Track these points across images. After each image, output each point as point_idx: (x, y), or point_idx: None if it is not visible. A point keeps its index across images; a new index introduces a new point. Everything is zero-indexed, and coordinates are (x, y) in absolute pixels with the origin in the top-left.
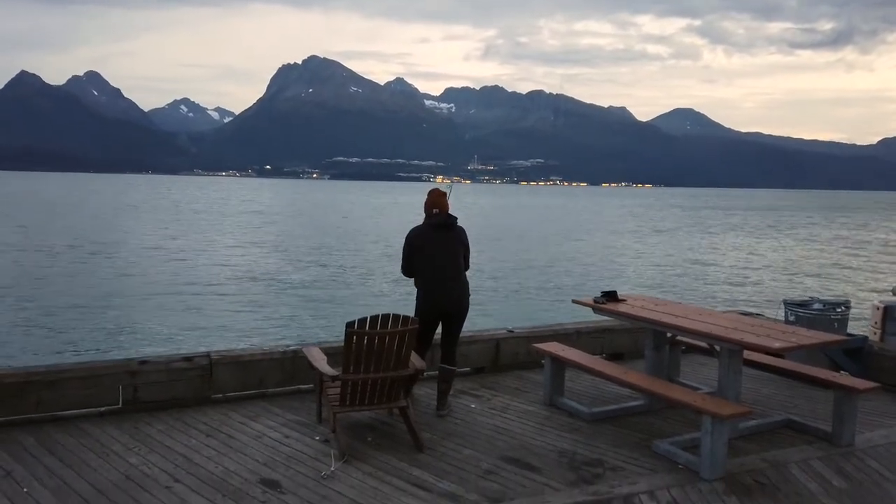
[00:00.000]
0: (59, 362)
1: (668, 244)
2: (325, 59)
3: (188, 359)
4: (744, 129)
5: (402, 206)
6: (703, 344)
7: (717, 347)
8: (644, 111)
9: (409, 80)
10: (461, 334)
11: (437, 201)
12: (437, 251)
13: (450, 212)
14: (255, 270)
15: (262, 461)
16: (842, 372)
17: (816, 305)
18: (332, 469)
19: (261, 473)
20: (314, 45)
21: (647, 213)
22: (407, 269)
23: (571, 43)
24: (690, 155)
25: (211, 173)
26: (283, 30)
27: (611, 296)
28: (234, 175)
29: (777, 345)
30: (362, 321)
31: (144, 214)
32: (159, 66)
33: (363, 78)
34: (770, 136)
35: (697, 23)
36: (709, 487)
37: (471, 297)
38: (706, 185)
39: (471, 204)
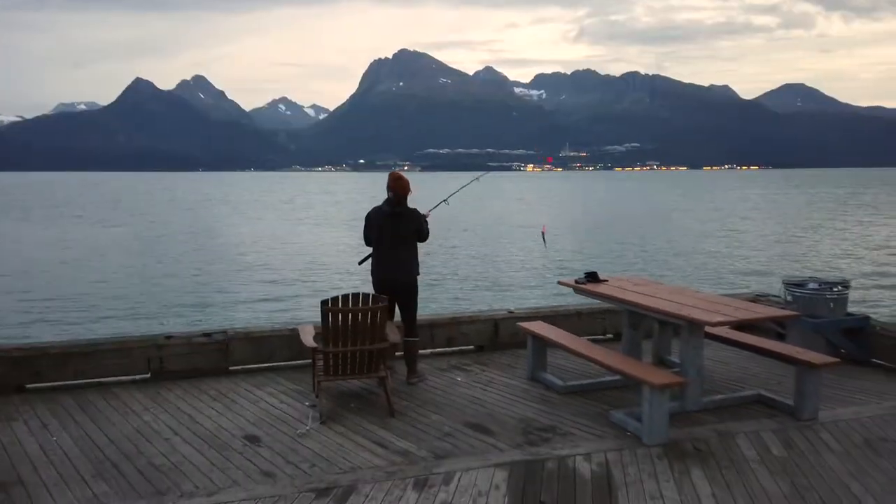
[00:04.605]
0: (95, 337)
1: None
2: (414, 51)
3: (207, 335)
4: (863, 104)
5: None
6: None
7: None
8: (749, 88)
9: (498, 69)
10: (463, 314)
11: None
12: None
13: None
14: (290, 253)
15: (252, 421)
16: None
17: (812, 285)
18: (308, 428)
19: (247, 430)
20: (404, 38)
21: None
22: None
23: (667, 18)
24: (801, 134)
25: (308, 169)
26: (372, 25)
27: (592, 276)
28: (330, 170)
29: (717, 319)
30: (335, 299)
31: (231, 209)
32: (259, 67)
33: (452, 69)
34: (894, 110)
35: None
36: (645, 452)
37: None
38: (819, 166)
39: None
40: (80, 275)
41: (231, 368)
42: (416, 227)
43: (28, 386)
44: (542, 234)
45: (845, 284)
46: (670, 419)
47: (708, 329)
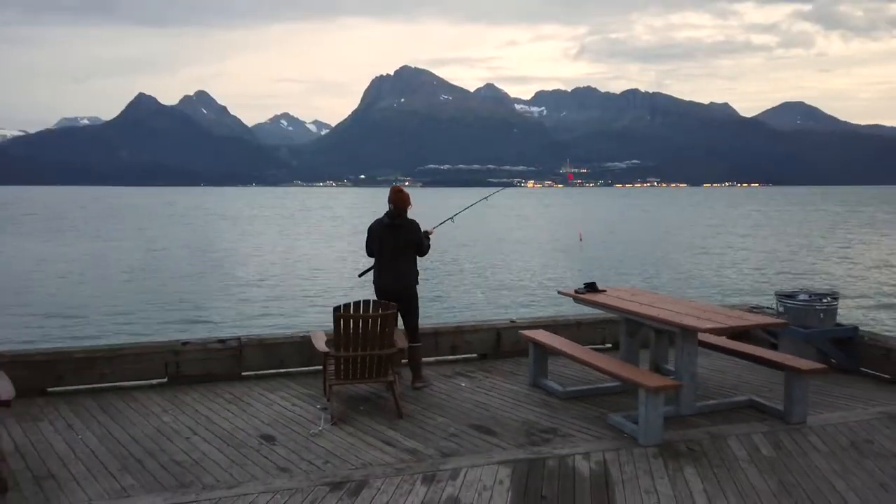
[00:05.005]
0: (117, 342)
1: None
2: (415, 68)
3: (222, 341)
4: (862, 122)
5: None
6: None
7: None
8: (749, 106)
9: (499, 85)
10: (466, 323)
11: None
12: None
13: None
14: (294, 265)
15: (267, 422)
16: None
17: (802, 296)
18: (320, 428)
19: (262, 430)
20: (405, 54)
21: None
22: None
23: (668, 37)
24: (801, 151)
25: (309, 184)
26: (374, 42)
27: (591, 287)
28: (331, 185)
29: (707, 325)
30: (347, 306)
31: (230, 223)
32: (261, 83)
33: (453, 85)
34: (893, 128)
35: (807, 7)
36: (641, 452)
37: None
38: (819, 183)
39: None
40: (89, 287)
41: (244, 374)
42: (415, 238)
43: (49, 389)
44: (580, 237)
45: (834, 296)
46: (666, 423)
47: (702, 338)
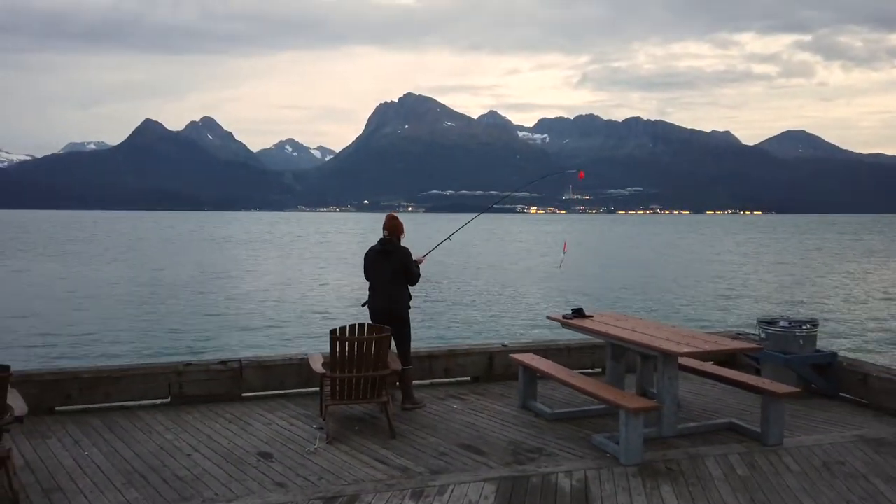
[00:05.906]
0: (123, 363)
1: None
2: (419, 95)
3: (223, 363)
4: (864, 151)
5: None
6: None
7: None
8: (751, 134)
9: (502, 113)
10: (459, 347)
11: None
12: None
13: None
14: (294, 289)
15: (265, 440)
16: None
17: (782, 323)
18: (315, 447)
19: (260, 448)
20: (409, 82)
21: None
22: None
23: (669, 66)
24: (803, 179)
25: (313, 209)
26: (378, 69)
27: (578, 312)
28: (335, 210)
29: (685, 350)
30: (343, 328)
31: (231, 248)
32: (266, 110)
33: (457, 112)
34: (894, 157)
35: (808, 38)
36: (621, 471)
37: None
38: (821, 211)
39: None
40: (95, 310)
41: (244, 395)
42: (404, 262)
43: (58, 408)
44: (564, 250)
45: (814, 323)
46: (648, 443)
47: (686, 363)
